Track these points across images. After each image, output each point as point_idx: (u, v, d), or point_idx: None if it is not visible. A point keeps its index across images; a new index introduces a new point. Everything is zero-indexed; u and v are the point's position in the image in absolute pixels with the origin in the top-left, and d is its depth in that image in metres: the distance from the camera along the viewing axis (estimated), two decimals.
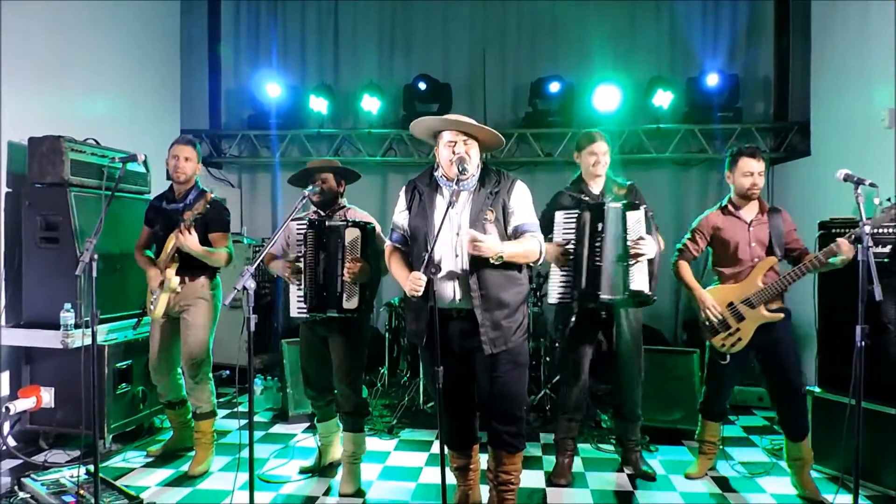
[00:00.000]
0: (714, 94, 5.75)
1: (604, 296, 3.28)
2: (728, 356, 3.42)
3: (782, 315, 3.29)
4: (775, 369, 3.38)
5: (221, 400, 5.08)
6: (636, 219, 3.27)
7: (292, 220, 3.22)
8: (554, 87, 5.92)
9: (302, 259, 3.30)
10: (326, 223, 3.28)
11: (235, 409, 4.98)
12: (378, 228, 3.48)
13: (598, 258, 3.28)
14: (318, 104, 6.14)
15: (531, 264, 2.90)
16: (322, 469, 3.76)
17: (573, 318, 3.47)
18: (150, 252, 3.80)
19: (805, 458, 3.39)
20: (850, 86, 4.76)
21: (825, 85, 5.19)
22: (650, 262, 3.30)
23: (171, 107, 6.07)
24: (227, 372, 5.42)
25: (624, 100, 5.72)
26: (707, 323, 3.41)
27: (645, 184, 3.65)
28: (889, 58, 4.17)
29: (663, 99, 5.71)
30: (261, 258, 2.87)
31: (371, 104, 6.09)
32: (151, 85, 5.67)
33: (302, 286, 3.30)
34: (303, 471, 3.75)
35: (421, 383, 4.88)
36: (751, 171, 3.35)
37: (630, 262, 3.26)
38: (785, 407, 3.39)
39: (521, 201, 2.86)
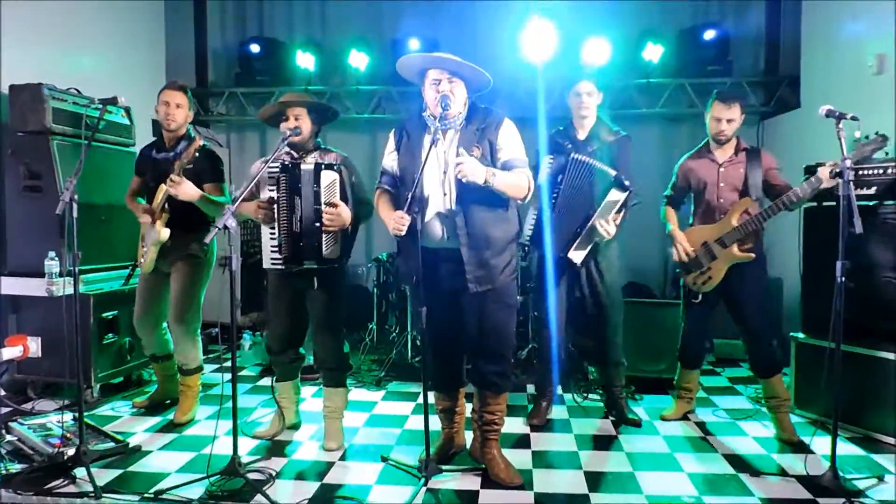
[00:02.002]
0: (705, 47, 5.68)
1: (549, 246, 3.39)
2: (700, 295, 3.48)
3: (753, 255, 3.31)
4: (739, 312, 3.42)
5: (210, 356, 5.12)
6: (615, 199, 3.29)
7: (262, 161, 3.11)
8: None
9: (276, 206, 3.09)
10: (301, 166, 3.08)
11: (223, 365, 5.00)
12: (354, 169, 3.32)
13: (553, 209, 3.39)
14: (306, 60, 6.04)
15: (519, 201, 2.86)
16: (282, 433, 3.50)
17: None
18: (142, 199, 3.74)
19: (780, 397, 3.44)
20: (840, 37, 4.73)
21: (816, 37, 5.15)
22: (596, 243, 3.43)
23: (156, 64, 5.99)
24: (216, 330, 5.43)
25: (614, 53, 5.65)
26: (680, 260, 3.48)
27: (635, 139, 3.64)
28: (879, 8, 4.13)
29: (653, 52, 5.63)
30: (239, 201, 2.82)
31: (359, 60, 6.00)
32: (136, 42, 5.59)
33: (276, 235, 3.11)
34: (256, 436, 3.45)
35: (409, 338, 4.90)
36: (718, 116, 3.36)
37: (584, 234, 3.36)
38: (750, 346, 3.46)
39: (509, 138, 2.84)
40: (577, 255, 3.39)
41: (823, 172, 3.04)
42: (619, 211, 3.33)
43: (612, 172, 3.33)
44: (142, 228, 3.67)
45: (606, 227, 3.30)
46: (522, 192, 2.81)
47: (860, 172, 3.43)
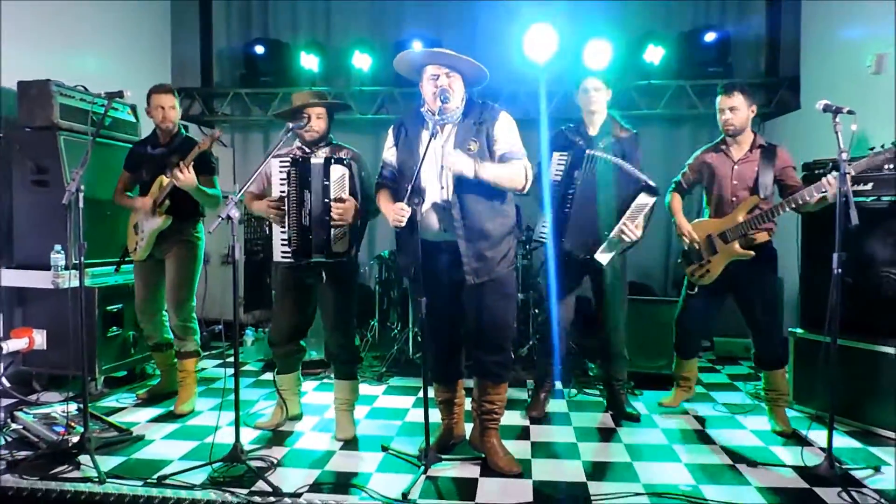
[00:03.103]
0: (706, 49, 5.74)
1: (569, 247, 3.39)
2: (696, 287, 3.54)
3: (752, 253, 3.32)
4: (747, 306, 3.46)
5: (213, 352, 5.17)
6: (645, 203, 3.27)
7: (274, 156, 3.13)
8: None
9: (285, 199, 3.13)
10: (311, 160, 3.12)
11: (226, 360, 5.04)
12: (366, 166, 3.39)
13: (568, 206, 3.36)
14: (309, 62, 6.11)
15: (518, 192, 2.87)
16: (283, 424, 3.53)
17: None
18: (131, 195, 3.82)
19: (779, 391, 3.47)
20: (839, 38, 4.78)
21: (815, 38, 5.21)
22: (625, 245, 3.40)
23: (161, 65, 6.07)
24: (219, 327, 5.48)
25: (615, 55, 5.69)
26: (685, 250, 3.53)
27: None
28: (877, 9, 4.17)
29: (655, 54, 5.69)
30: (243, 190, 2.88)
31: (362, 61, 6.07)
32: (142, 42, 5.68)
33: (286, 229, 3.15)
34: (258, 427, 3.49)
35: (410, 334, 4.94)
36: (721, 107, 3.40)
37: (614, 241, 3.33)
38: (758, 339, 3.49)
39: (506, 131, 2.87)
40: (604, 257, 3.37)
41: (830, 181, 3.01)
42: (647, 216, 3.34)
43: (635, 172, 3.30)
44: (133, 217, 3.78)
45: (634, 231, 3.29)
46: (519, 183, 2.82)
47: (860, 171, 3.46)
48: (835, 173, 2.99)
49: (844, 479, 2.75)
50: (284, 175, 3.14)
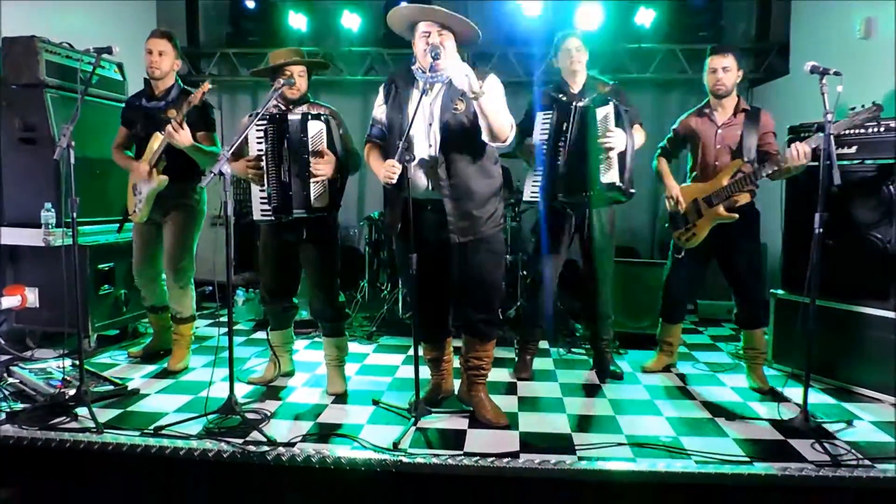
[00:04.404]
0: (697, 13, 5.74)
1: (561, 197, 3.38)
2: (683, 251, 3.61)
3: (736, 216, 3.39)
4: (731, 268, 3.54)
5: (204, 313, 5.21)
6: (603, 114, 3.30)
7: (250, 116, 3.14)
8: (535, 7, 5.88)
9: (264, 157, 3.14)
10: (289, 116, 3.14)
11: (217, 320, 5.09)
12: (342, 122, 3.38)
13: (559, 158, 3.37)
14: (298, 21, 6.05)
15: (501, 144, 2.82)
16: (276, 380, 3.61)
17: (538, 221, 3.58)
18: (129, 153, 3.78)
19: (757, 349, 3.58)
20: (829, 5, 4.79)
21: (806, 3, 5.21)
22: (622, 155, 3.33)
23: (146, 24, 5.94)
24: (210, 288, 5.51)
25: (606, 18, 5.67)
26: (670, 211, 3.59)
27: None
28: None
29: (646, 17, 5.68)
30: (233, 146, 2.88)
31: (351, 21, 6.01)
32: (127, 1, 5.56)
33: (265, 186, 3.16)
34: (251, 382, 3.56)
35: (400, 294, 5.00)
36: (714, 66, 3.42)
37: (601, 158, 3.31)
38: (739, 299, 3.59)
39: (492, 89, 2.86)
40: (611, 176, 3.32)
41: (794, 152, 3.09)
42: (619, 124, 3.32)
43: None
44: (132, 178, 3.72)
45: (612, 139, 3.28)
46: (505, 130, 2.78)
47: (842, 132, 3.51)
48: (797, 143, 3.09)
49: (817, 432, 2.87)
50: (262, 133, 3.16)
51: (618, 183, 3.33)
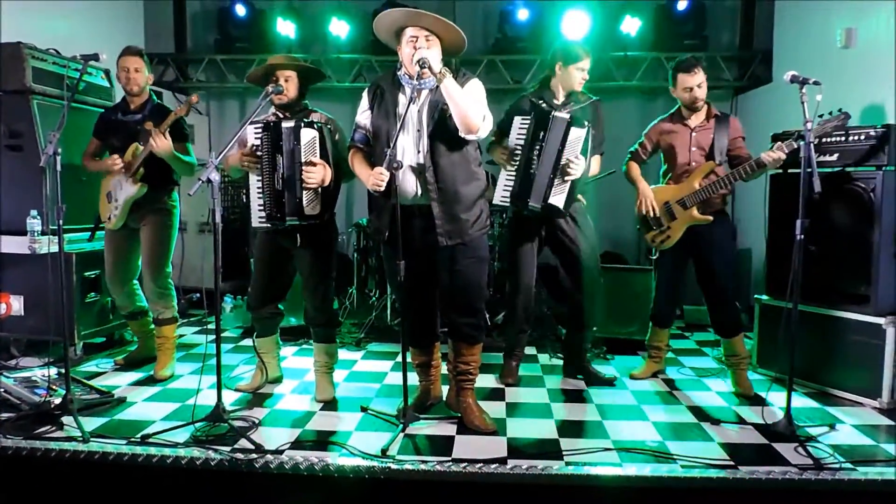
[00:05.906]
0: (681, 22, 5.81)
1: (532, 203, 3.38)
2: (657, 252, 3.72)
3: (710, 218, 3.47)
4: (705, 272, 3.58)
5: (192, 320, 5.20)
6: (577, 136, 3.30)
7: (250, 123, 3.14)
8: (523, 13, 5.94)
9: (260, 164, 3.18)
10: (282, 124, 3.15)
11: (205, 327, 5.07)
12: (340, 130, 3.39)
13: (533, 165, 3.38)
14: (286, 28, 6.05)
15: (472, 134, 2.82)
16: (264, 387, 3.61)
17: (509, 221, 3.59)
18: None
19: (739, 356, 3.62)
20: (811, 14, 4.87)
21: (788, 13, 5.29)
22: (574, 183, 3.39)
23: (134, 30, 5.96)
24: (198, 295, 5.49)
25: (593, 26, 5.73)
26: (641, 215, 3.64)
27: (612, 112, 3.74)
28: None
29: (631, 26, 5.74)
30: (223, 153, 2.88)
31: (340, 28, 6.03)
32: (114, 7, 5.55)
33: (261, 189, 3.20)
34: (238, 389, 3.56)
35: (388, 301, 5.00)
36: (688, 86, 3.49)
37: (557, 177, 3.34)
38: (714, 306, 3.63)
39: (473, 91, 2.90)
40: (558, 200, 3.38)
41: (772, 154, 3.22)
42: (583, 151, 3.35)
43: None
44: (105, 186, 3.76)
45: (576, 163, 3.31)
46: (476, 120, 2.78)
47: (823, 140, 3.58)
48: (769, 151, 3.23)
49: (800, 436, 2.90)
50: (259, 141, 3.19)
51: (560, 208, 3.40)
